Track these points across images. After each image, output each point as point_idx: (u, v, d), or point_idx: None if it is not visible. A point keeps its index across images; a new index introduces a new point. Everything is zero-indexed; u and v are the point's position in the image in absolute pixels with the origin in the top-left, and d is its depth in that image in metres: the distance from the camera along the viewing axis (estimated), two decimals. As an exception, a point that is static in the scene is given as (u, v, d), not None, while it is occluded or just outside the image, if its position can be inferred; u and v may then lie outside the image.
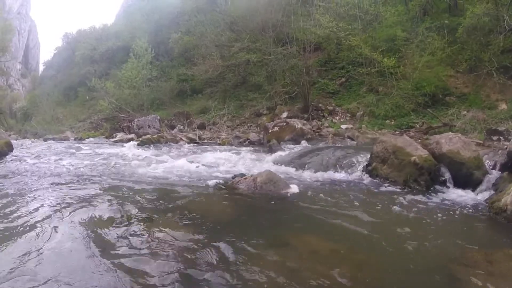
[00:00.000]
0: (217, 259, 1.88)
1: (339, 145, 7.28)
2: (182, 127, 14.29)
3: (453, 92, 13.55)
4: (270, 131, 9.04)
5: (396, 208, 2.97)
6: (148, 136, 11.36)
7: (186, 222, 2.46)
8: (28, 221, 2.42)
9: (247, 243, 2.07)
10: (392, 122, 12.85)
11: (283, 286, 1.62)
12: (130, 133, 13.47)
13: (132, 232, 2.22)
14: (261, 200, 3.16)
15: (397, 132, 11.59)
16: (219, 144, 10.20)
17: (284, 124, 8.82)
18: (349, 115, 13.82)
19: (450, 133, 4.30)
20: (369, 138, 7.67)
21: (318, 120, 13.17)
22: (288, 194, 3.35)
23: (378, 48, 13.78)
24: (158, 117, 14.40)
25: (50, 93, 32.95)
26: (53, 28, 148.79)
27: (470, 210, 2.93)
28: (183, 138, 11.20)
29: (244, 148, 8.27)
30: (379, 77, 14.15)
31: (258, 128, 13.17)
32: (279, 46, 14.88)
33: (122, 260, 1.84)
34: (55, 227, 2.28)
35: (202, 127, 14.65)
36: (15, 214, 2.58)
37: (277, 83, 14.46)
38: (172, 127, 14.59)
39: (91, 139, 13.81)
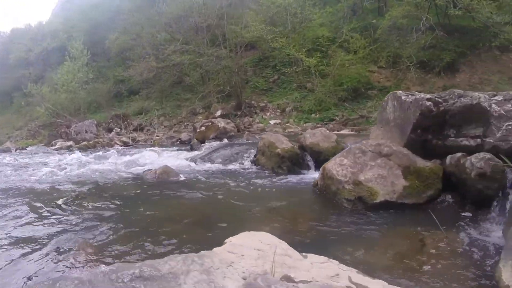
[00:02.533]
0: (119, 214, 3.16)
1: (249, 141, 8.21)
2: (119, 129, 14.50)
3: (375, 86, 15.07)
4: (198, 130, 9.75)
5: (252, 183, 4.13)
6: (85, 142, 11.71)
7: (106, 199, 3.70)
8: None
9: (140, 205, 3.45)
10: (317, 116, 14.15)
11: (154, 219, 2.97)
12: (68, 139, 13.50)
13: (68, 207, 3.41)
14: (158, 184, 4.41)
15: (318, 125, 12.85)
16: (152, 145, 10.68)
17: (210, 123, 9.58)
18: (279, 110, 14.90)
19: (318, 129, 5.38)
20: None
21: (250, 117, 14.09)
22: (178, 180, 4.57)
23: (305, 48, 14.94)
24: (95, 122, 14.49)
25: (-18, 99, 30.58)
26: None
27: (307, 185, 3.92)
28: (117, 142, 11.59)
29: (171, 148, 8.92)
30: (306, 74, 15.39)
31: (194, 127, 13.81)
32: (212, 47, 15.51)
33: (59, 224, 2.89)
34: None
35: (139, 128, 14.95)
36: None
37: (210, 83, 15.15)
38: (110, 130, 14.75)
39: (31, 148, 13.65)
